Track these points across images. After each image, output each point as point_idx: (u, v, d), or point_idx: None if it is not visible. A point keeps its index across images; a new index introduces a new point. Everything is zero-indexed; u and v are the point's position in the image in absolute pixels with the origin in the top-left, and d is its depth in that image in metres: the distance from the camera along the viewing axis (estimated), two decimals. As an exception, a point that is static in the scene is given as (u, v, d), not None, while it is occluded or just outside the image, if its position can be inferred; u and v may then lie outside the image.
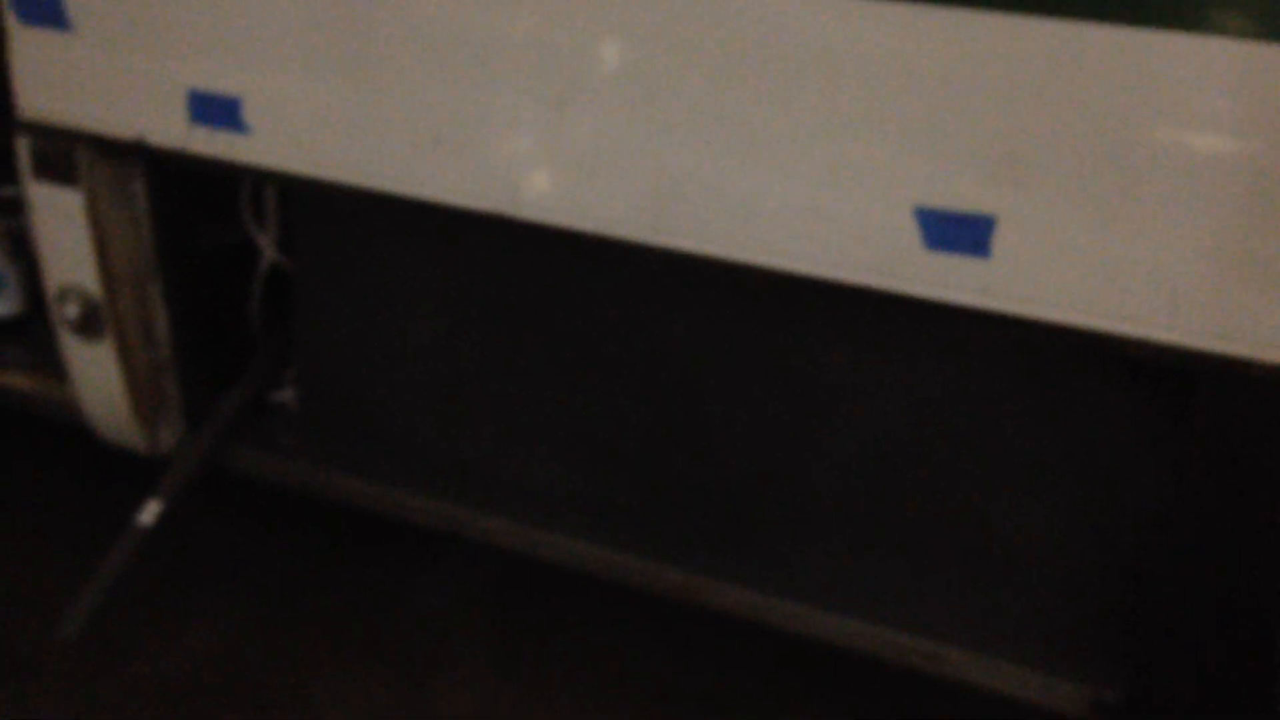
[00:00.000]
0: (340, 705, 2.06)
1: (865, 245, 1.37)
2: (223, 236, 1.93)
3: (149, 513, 1.81)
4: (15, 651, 2.10)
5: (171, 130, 1.66)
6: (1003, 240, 1.31)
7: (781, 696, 2.09)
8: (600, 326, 1.74)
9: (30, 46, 1.71)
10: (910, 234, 1.34)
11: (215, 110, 1.61)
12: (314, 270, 1.88)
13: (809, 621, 1.61)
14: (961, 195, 1.31)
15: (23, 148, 1.78)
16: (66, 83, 1.71)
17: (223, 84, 1.60)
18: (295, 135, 1.59)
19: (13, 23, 1.70)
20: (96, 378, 1.92)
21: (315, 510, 2.24)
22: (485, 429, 1.89)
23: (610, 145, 1.45)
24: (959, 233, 1.31)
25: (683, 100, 1.41)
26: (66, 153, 1.75)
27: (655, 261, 1.48)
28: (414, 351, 1.88)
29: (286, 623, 2.22)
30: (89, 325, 1.85)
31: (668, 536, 1.80)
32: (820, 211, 1.37)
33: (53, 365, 2.11)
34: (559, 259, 1.71)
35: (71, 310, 1.85)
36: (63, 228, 1.81)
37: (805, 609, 1.61)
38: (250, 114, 1.60)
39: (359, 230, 1.81)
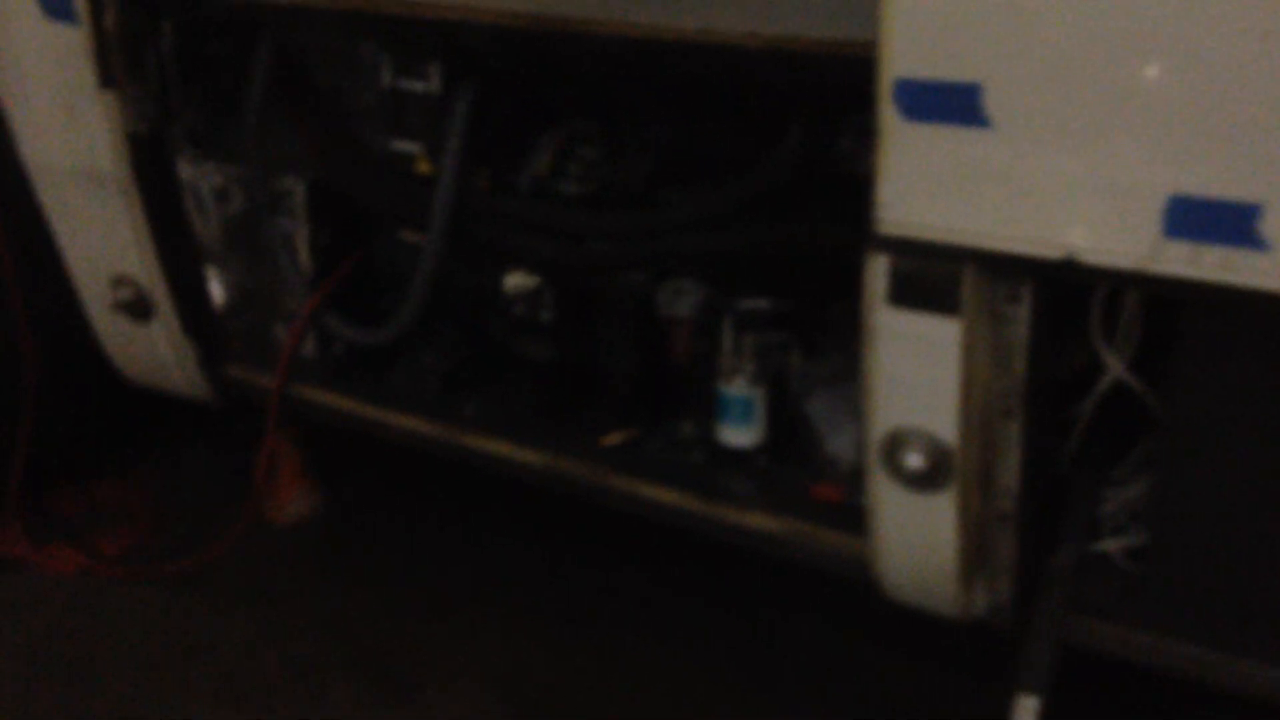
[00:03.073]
0: None
1: None
2: (1070, 357, 1.60)
3: (1026, 713, 1.48)
4: None
5: (1128, 247, 1.32)
6: None
7: None
8: None
9: (917, 149, 1.41)
10: None
11: (1213, 222, 1.26)
12: (1197, 400, 1.51)
13: None
14: None
15: (876, 268, 1.49)
16: (967, 191, 1.40)
17: (1231, 189, 1.26)
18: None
19: (893, 120, 1.41)
20: (918, 531, 1.61)
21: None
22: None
23: None
24: None
25: None
26: (948, 275, 1.45)
27: None
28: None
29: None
30: (933, 476, 1.55)
31: None
32: None
33: (789, 503, 1.85)
34: None
35: (913, 460, 1.54)
36: (920, 362, 1.49)
37: None
38: (1273, 225, 1.25)
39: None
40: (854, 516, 1.75)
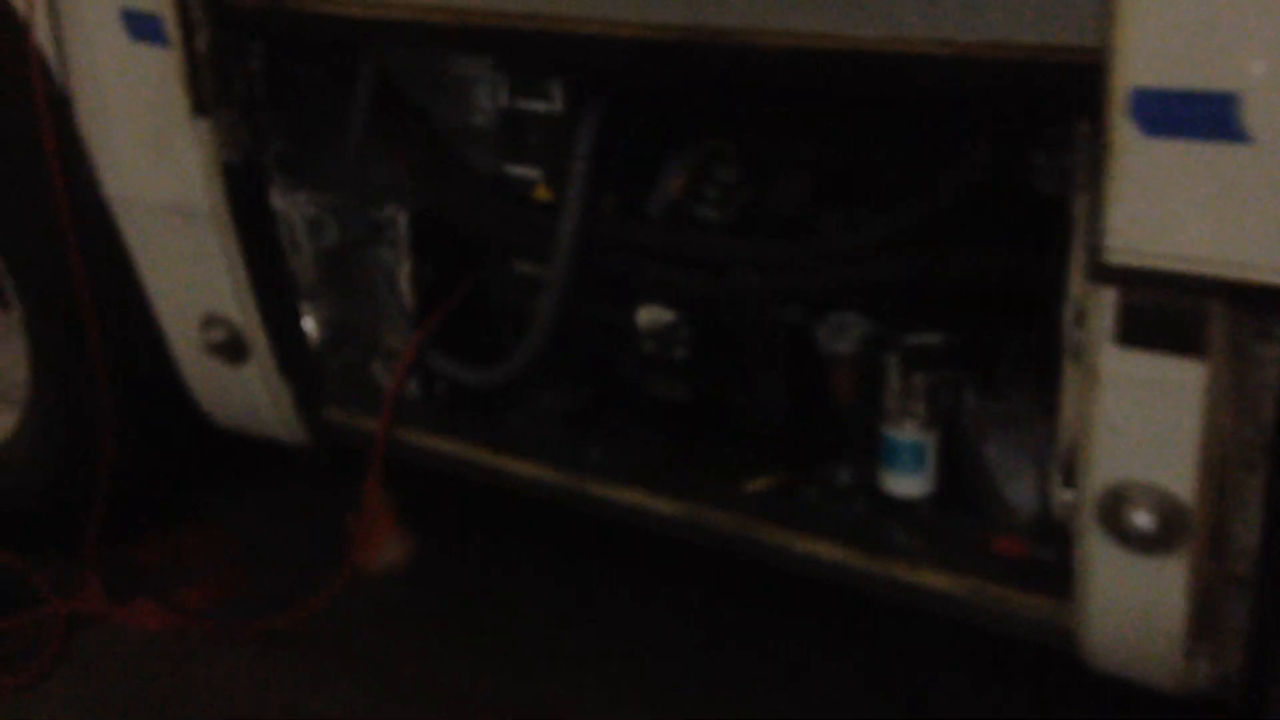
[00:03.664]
0: None
1: None
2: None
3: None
4: None
5: None
6: None
7: None
8: None
9: (1157, 168, 1.23)
10: None
11: None
12: None
13: None
14: None
15: (1102, 303, 1.32)
16: (1218, 216, 1.22)
17: None
18: None
19: (1128, 136, 1.24)
20: (1140, 597, 1.43)
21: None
22: None
23: None
24: None
25: None
26: (1192, 311, 1.27)
27: None
28: None
29: None
30: (1163, 537, 1.37)
31: None
32: None
33: (968, 559, 1.67)
34: None
35: (1141, 518, 1.35)
36: (1153, 409, 1.31)
37: None
38: None
39: None
40: (1046, 574, 1.58)
